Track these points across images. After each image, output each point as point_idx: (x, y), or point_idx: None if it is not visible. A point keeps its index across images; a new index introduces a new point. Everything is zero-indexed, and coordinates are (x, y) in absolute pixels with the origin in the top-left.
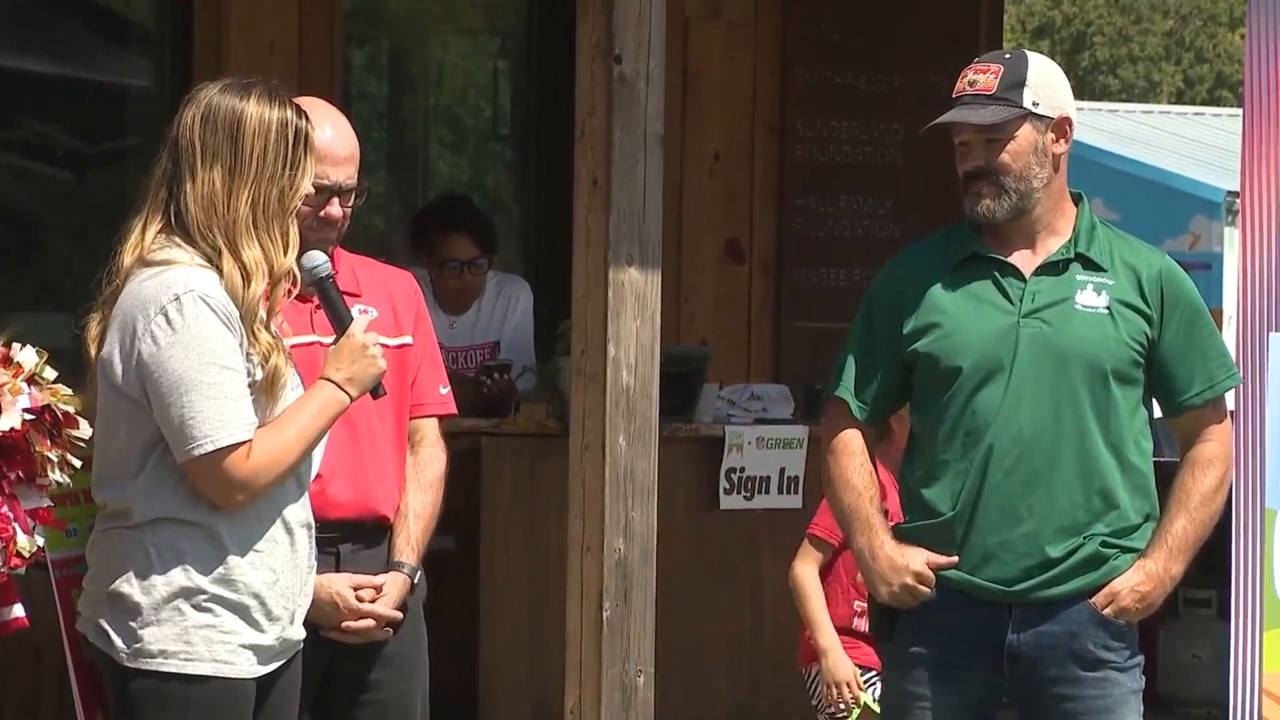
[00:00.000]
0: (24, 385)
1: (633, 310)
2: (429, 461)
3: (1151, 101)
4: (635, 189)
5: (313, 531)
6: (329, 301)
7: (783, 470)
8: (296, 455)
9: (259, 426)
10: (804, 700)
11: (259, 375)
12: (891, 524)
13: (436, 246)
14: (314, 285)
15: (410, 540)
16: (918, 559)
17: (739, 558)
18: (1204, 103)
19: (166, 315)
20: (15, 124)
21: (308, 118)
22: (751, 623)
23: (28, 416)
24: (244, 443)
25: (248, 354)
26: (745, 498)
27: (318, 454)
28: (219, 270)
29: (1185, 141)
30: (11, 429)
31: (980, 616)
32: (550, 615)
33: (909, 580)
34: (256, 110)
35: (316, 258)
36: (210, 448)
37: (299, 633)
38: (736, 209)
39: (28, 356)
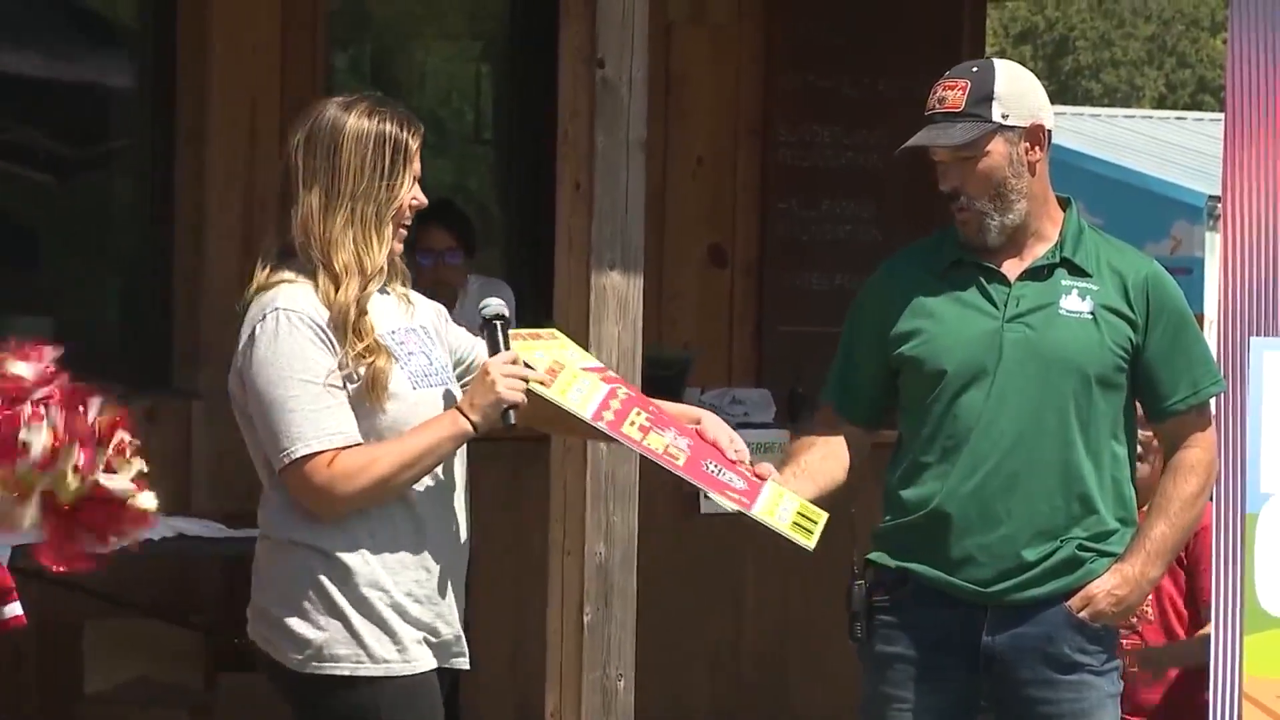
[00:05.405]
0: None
1: (614, 315)
2: None
3: (1134, 106)
4: (618, 193)
5: (461, 552)
6: (492, 342)
7: None
8: (388, 469)
9: (376, 429)
10: (784, 704)
11: (361, 373)
12: (882, 525)
13: (413, 241)
14: (483, 324)
15: None
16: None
17: (720, 562)
18: (1186, 107)
19: (253, 335)
20: None
21: (411, 128)
22: (732, 627)
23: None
24: (321, 452)
25: (346, 357)
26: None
27: (461, 471)
28: (316, 283)
29: (1167, 146)
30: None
31: (956, 617)
32: (532, 618)
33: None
34: (355, 126)
35: (495, 304)
36: (287, 461)
37: (425, 657)
38: (719, 213)
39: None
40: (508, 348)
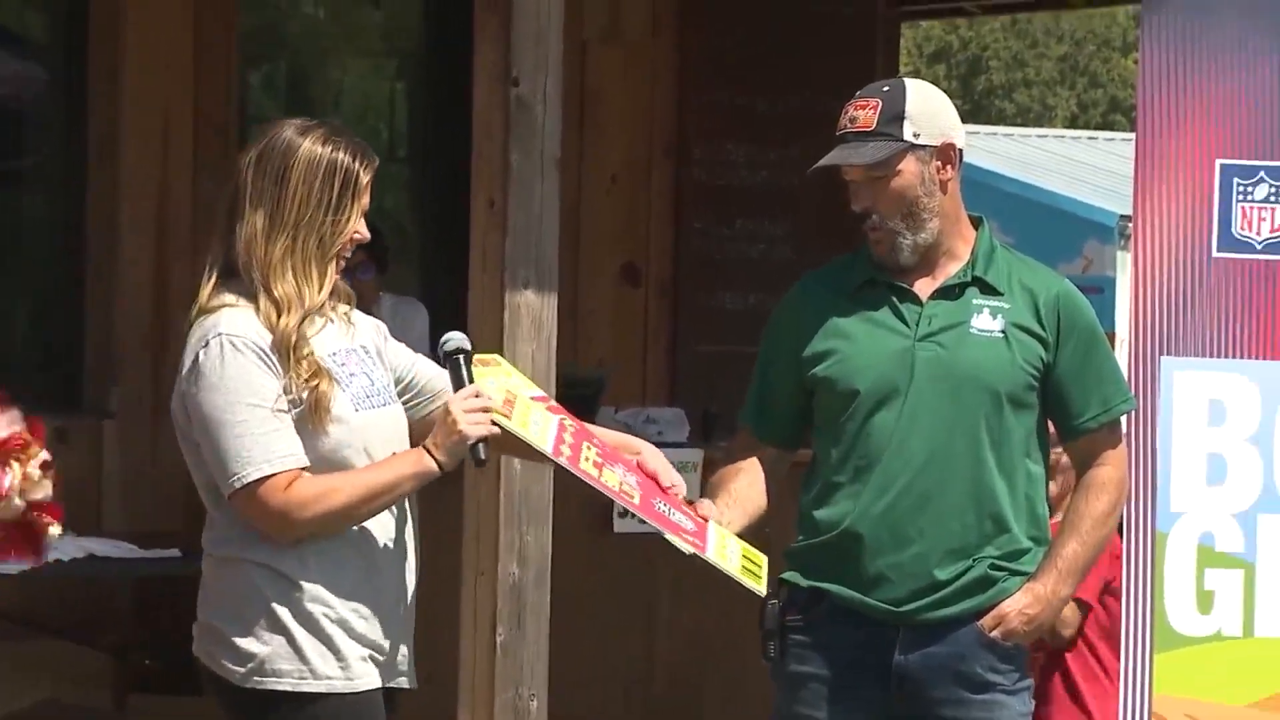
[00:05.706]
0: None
1: (528, 333)
2: None
3: (1046, 125)
4: (532, 211)
5: (409, 572)
6: (456, 377)
7: None
8: (346, 500)
9: (318, 451)
10: None
11: (303, 396)
12: (795, 544)
13: None
14: (445, 358)
15: None
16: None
17: (634, 581)
18: (1098, 127)
19: (197, 360)
20: None
21: (364, 161)
22: (646, 646)
23: None
24: (273, 475)
25: (290, 381)
26: (639, 520)
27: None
28: (257, 306)
29: (1079, 165)
30: None
31: (869, 637)
32: (446, 638)
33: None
34: (308, 151)
35: (456, 337)
36: (238, 485)
37: (369, 674)
38: (634, 230)
39: None
40: (471, 381)
